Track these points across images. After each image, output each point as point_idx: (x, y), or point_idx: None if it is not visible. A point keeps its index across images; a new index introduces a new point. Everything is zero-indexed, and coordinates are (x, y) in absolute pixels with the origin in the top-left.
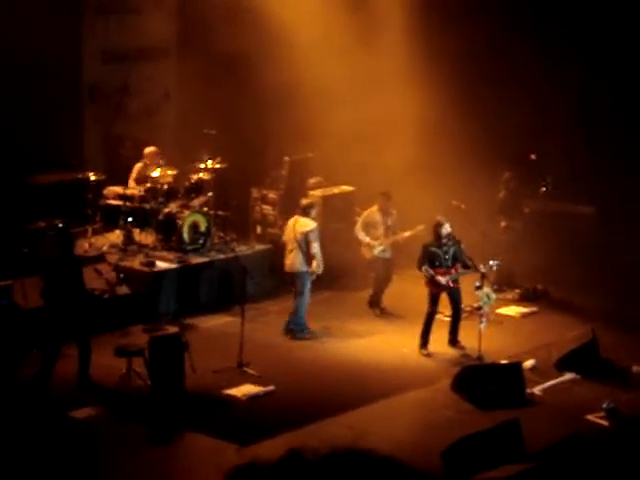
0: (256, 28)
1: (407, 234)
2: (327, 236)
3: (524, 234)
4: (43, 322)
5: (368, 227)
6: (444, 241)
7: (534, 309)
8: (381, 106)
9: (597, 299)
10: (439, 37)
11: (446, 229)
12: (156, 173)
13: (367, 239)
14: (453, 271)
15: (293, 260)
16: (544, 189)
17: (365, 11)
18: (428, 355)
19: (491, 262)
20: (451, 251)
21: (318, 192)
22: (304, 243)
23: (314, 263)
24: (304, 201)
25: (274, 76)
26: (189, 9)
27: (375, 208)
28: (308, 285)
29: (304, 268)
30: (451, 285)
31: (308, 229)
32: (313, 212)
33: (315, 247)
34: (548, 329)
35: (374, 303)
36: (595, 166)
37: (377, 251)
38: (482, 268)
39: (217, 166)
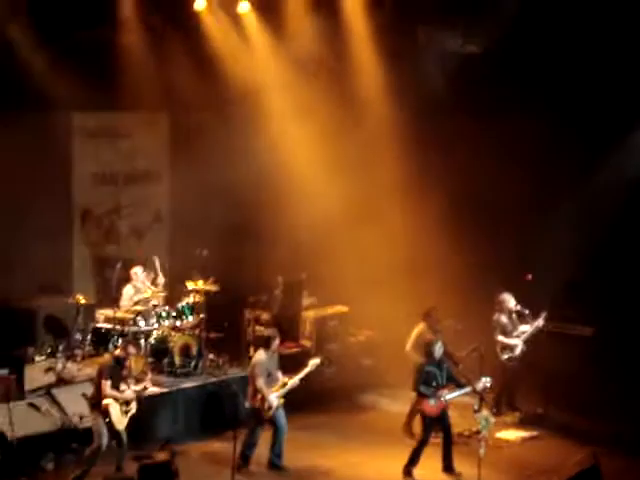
0: (247, 153)
1: (463, 354)
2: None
3: (523, 357)
4: None
5: (420, 348)
6: (439, 359)
7: (534, 433)
8: (374, 230)
9: (599, 423)
10: (433, 159)
11: (440, 347)
12: (147, 294)
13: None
14: (446, 390)
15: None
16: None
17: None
18: None
19: (483, 379)
20: (445, 371)
21: (312, 313)
22: (250, 376)
23: (257, 398)
24: (266, 332)
25: (268, 195)
26: (180, 133)
27: (424, 327)
28: (261, 424)
29: (250, 402)
30: (444, 404)
31: (254, 361)
32: (274, 344)
33: (259, 382)
34: (549, 454)
35: (406, 426)
36: (594, 286)
37: None
38: (478, 387)
39: (209, 287)
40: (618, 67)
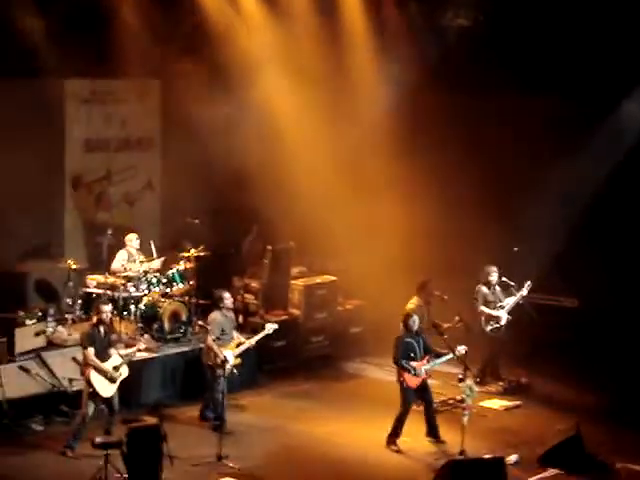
0: (239, 121)
1: (447, 326)
2: (309, 326)
3: (507, 327)
4: None
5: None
6: (416, 330)
7: (518, 402)
8: (363, 199)
9: (581, 392)
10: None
11: (415, 321)
12: (138, 262)
13: None
14: (425, 362)
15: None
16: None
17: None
18: (398, 451)
19: (459, 347)
20: (422, 342)
21: (300, 282)
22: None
23: (210, 355)
24: (216, 292)
25: (258, 166)
26: (173, 101)
27: (418, 301)
28: (218, 380)
29: (204, 359)
30: (425, 376)
31: (208, 320)
32: (225, 303)
33: (208, 339)
34: (532, 423)
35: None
36: (579, 257)
37: None
38: (457, 353)
39: (199, 255)
40: (609, 37)
